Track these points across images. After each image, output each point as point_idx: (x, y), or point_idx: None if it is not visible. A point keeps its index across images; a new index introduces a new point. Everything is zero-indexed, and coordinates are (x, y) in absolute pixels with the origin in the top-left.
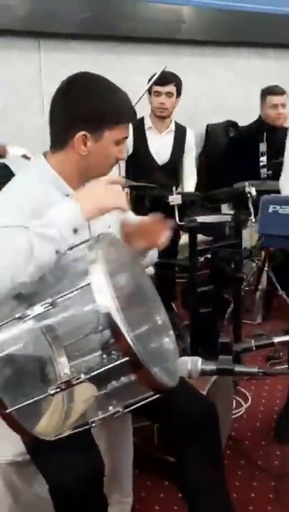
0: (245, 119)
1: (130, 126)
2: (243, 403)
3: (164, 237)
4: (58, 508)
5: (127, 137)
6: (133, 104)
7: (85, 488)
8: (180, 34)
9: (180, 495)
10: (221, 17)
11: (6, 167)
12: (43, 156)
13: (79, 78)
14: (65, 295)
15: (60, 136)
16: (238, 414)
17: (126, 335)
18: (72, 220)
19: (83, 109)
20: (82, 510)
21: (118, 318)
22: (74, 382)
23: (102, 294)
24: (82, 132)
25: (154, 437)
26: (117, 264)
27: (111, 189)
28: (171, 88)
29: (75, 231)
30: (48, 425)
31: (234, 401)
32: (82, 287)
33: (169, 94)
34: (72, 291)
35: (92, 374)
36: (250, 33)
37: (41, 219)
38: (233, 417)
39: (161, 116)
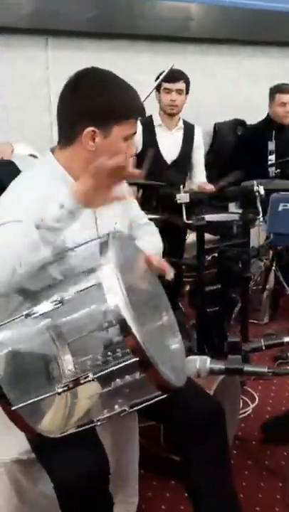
0: (252, 117)
1: (139, 124)
2: (250, 403)
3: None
4: (63, 506)
5: (135, 133)
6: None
7: (90, 487)
8: (188, 32)
9: (186, 494)
10: (229, 15)
11: (12, 164)
12: (51, 151)
13: (88, 73)
14: (75, 293)
15: (68, 132)
16: (245, 414)
17: (136, 334)
18: (60, 199)
19: (92, 105)
20: (87, 509)
21: (129, 318)
22: (82, 381)
23: (113, 293)
24: (91, 128)
25: (160, 437)
26: (126, 262)
27: (95, 165)
28: (181, 85)
29: (61, 206)
30: (51, 422)
31: (241, 401)
32: (93, 285)
33: (179, 91)
34: (83, 289)
35: (101, 373)
36: (259, 30)
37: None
38: (240, 417)
39: (171, 113)
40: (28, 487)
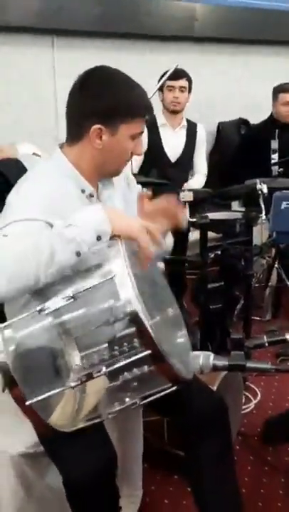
0: (258, 117)
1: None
2: (252, 399)
3: (181, 218)
4: (71, 500)
5: (142, 132)
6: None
7: (98, 481)
8: (192, 32)
9: (189, 489)
10: (233, 14)
11: (19, 162)
12: (60, 148)
13: (96, 72)
14: (87, 288)
15: (76, 129)
16: (248, 409)
17: (149, 328)
18: (97, 225)
19: (100, 103)
20: (94, 502)
21: (141, 311)
22: (95, 375)
23: (125, 287)
24: (98, 125)
25: (164, 431)
26: (135, 257)
27: (144, 223)
28: (183, 83)
29: (99, 238)
30: (61, 417)
31: (244, 397)
32: (106, 280)
33: (182, 89)
34: (96, 285)
35: (114, 367)
36: (262, 30)
37: (65, 220)
38: (243, 412)
39: (174, 110)
40: (35, 480)
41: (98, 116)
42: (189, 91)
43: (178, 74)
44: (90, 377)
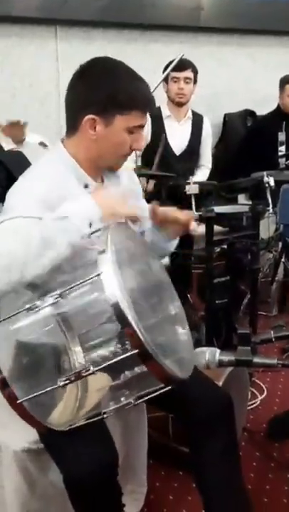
0: (264, 108)
1: (148, 116)
2: (258, 395)
3: (193, 226)
4: (72, 498)
5: (142, 126)
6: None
7: (99, 478)
8: (198, 21)
9: (194, 485)
10: (240, 4)
11: (21, 154)
12: (61, 142)
13: (97, 62)
14: (73, 286)
15: (73, 120)
16: (254, 405)
17: (135, 326)
18: (86, 212)
19: (95, 92)
20: (96, 500)
21: (126, 309)
22: (84, 374)
23: (110, 285)
24: (92, 116)
25: (169, 427)
26: (129, 253)
27: (123, 200)
28: (188, 74)
29: (90, 225)
30: (61, 415)
31: (249, 393)
32: (90, 279)
33: (187, 80)
34: (81, 283)
35: (101, 366)
36: (269, 20)
37: (55, 211)
38: (249, 408)
39: (179, 102)
40: (38, 476)
41: (93, 106)
42: (195, 82)
43: (183, 65)
44: (78, 376)
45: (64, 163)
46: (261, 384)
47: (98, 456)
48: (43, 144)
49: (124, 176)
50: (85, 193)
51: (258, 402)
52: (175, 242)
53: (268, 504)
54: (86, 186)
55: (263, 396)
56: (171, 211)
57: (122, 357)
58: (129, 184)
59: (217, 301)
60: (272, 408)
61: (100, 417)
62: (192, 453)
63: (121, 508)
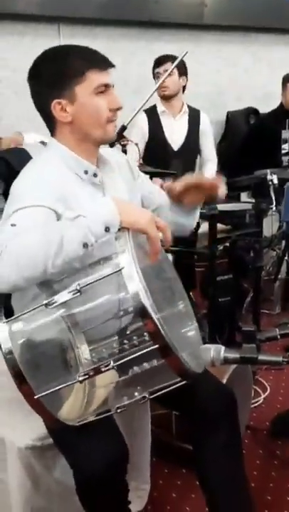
0: (268, 106)
1: (144, 114)
2: (261, 393)
3: (221, 189)
4: (80, 493)
5: (107, 85)
6: (154, 89)
7: (109, 474)
8: (201, 19)
9: (197, 483)
10: (243, 1)
11: (23, 151)
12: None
13: (39, 55)
14: (93, 282)
15: (45, 116)
16: (257, 403)
17: (157, 321)
18: (105, 217)
19: (46, 80)
20: (105, 496)
21: (148, 305)
22: (103, 369)
23: (133, 281)
24: (55, 100)
25: (172, 425)
26: (142, 250)
27: (154, 217)
28: (168, 66)
29: (107, 229)
30: (71, 411)
31: (253, 391)
32: (113, 273)
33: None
34: (101, 278)
35: (122, 361)
36: (272, 18)
37: (74, 211)
38: (252, 406)
39: (164, 95)
40: (42, 473)
41: (51, 92)
42: (182, 74)
43: (161, 59)
44: (97, 371)
45: (60, 155)
46: (264, 382)
47: (109, 452)
48: (43, 143)
49: (116, 159)
50: (85, 178)
51: (261, 400)
52: (196, 216)
53: (271, 502)
54: (86, 172)
55: (266, 394)
56: (194, 178)
57: (145, 351)
58: (123, 169)
59: (220, 299)
60: (275, 406)
61: (111, 413)
62: (195, 450)
63: (127, 504)
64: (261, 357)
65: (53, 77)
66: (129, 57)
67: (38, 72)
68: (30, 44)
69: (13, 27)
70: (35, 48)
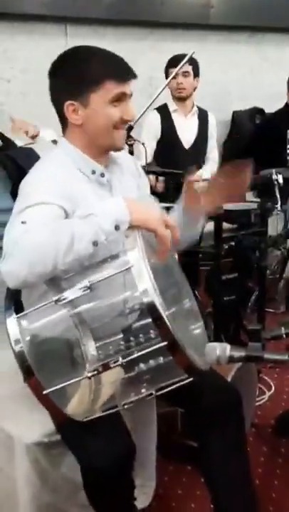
0: (274, 105)
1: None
2: (266, 391)
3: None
4: (87, 488)
5: (124, 94)
6: (160, 90)
7: (117, 470)
8: (208, 19)
9: (202, 480)
10: (249, 1)
11: (32, 151)
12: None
13: (63, 53)
14: (105, 278)
15: (59, 114)
16: (261, 401)
17: (166, 319)
18: (116, 216)
19: (64, 80)
20: (111, 491)
21: (159, 303)
22: (112, 366)
23: (142, 278)
24: (69, 102)
25: (178, 423)
26: (150, 249)
27: (163, 216)
28: (186, 67)
29: (117, 228)
30: (78, 407)
31: (257, 389)
32: (123, 270)
33: (185, 74)
34: (112, 275)
35: (131, 357)
36: (278, 18)
37: (85, 210)
38: (256, 404)
39: (180, 97)
40: (49, 469)
41: (68, 93)
42: (196, 75)
43: (178, 59)
44: (106, 367)
45: (68, 154)
46: (269, 380)
47: (116, 448)
48: (54, 142)
49: (125, 159)
50: (92, 178)
51: (266, 398)
52: (199, 232)
53: (275, 499)
54: (93, 172)
55: (271, 392)
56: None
57: (152, 348)
58: (130, 167)
59: (225, 298)
60: (279, 404)
61: (118, 409)
62: (200, 447)
63: (133, 500)
64: (267, 355)
65: (70, 79)
66: (136, 57)
67: (58, 69)
68: (37, 43)
69: (20, 27)
70: (42, 48)
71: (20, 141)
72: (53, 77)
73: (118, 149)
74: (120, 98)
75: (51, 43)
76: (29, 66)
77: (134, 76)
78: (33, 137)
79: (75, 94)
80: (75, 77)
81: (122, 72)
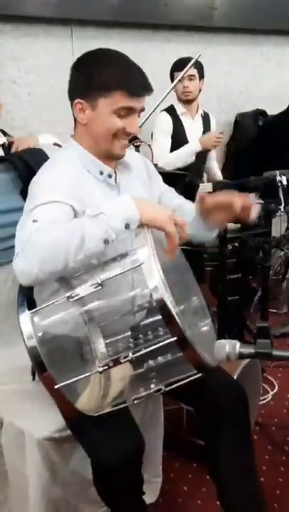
0: (277, 108)
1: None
2: (269, 390)
3: (254, 212)
4: (97, 483)
5: (131, 109)
6: (166, 92)
7: (126, 464)
8: (212, 21)
9: (208, 477)
10: (253, 4)
11: (42, 152)
12: (71, 137)
13: (87, 52)
14: (114, 276)
15: (71, 109)
16: (265, 400)
17: (176, 316)
18: (125, 214)
19: (80, 77)
20: (121, 485)
21: (169, 300)
22: (122, 361)
23: (153, 276)
24: (78, 99)
25: (183, 420)
26: (159, 247)
27: (172, 215)
28: (192, 71)
29: (127, 226)
30: (88, 402)
31: (261, 387)
32: (133, 268)
33: (191, 77)
34: (123, 272)
35: (141, 352)
36: (282, 20)
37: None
38: (260, 403)
39: (187, 100)
40: (60, 464)
41: (79, 91)
42: (201, 77)
43: (184, 63)
44: (117, 362)
45: (77, 154)
46: (272, 379)
47: (126, 442)
48: (57, 145)
49: (135, 160)
50: (100, 179)
51: (270, 397)
52: (215, 233)
53: (280, 496)
54: (101, 173)
55: (275, 391)
56: (226, 196)
57: (162, 343)
58: (141, 170)
59: (229, 298)
60: (283, 403)
61: (127, 404)
62: (207, 444)
63: (142, 495)
64: (276, 352)
65: (86, 78)
66: (141, 58)
67: (80, 65)
68: (43, 45)
69: (26, 29)
70: (47, 49)
71: None
72: (73, 72)
73: (116, 158)
74: (127, 111)
75: (57, 45)
76: (35, 67)
77: (149, 92)
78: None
79: (85, 94)
80: (91, 77)
81: (136, 87)
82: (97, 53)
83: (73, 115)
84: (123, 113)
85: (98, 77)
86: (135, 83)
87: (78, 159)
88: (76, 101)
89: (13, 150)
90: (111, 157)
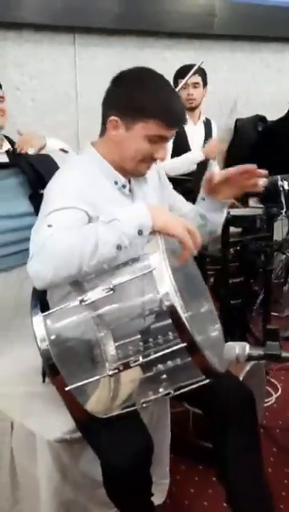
0: (277, 113)
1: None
2: (273, 393)
3: (261, 181)
4: (107, 484)
5: (164, 138)
6: None
7: (135, 465)
8: (212, 29)
9: (214, 479)
10: (253, 11)
11: (51, 160)
12: (92, 145)
13: (135, 69)
14: (127, 280)
15: (103, 119)
16: (269, 403)
17: (185, 321)
18: (139, 221)
19: (122, 95)
20: (130, 486)
21: (179, 306)
22: (132, 364)
23: (164, 281)
24: (114, 117)
25: (189, 423)
26: (169, 251)
27: (185, 222)
28: (196, 78)
29: (140, 232)
30: (97, 405)
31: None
32: (145, 273)
33: (195, 85)
34: (135, 277)
35: (151, 357)
36: (281, 27)
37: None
38: (264, 406)
39: (190, 107)
40: (70, 466)
41: (117, 108)
42: (205, 84)
43: (188, 71)
44: (127, 366)
45: (94, 162)
46: (276, 382)
47: (135, 444)
48: (63, 151)
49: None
50: (115, 188)
51: (273, 400)
52: (224, 214)
53: (285, 498)
54: (116, 183)
55: (278, 394)
56: (234, 168)
57: (172, 348)
58: (154, 179)
59: (231, 301)
60: (287, 405)
61: (137, 407)
62: (215, 447)
63: (150, 496)
64: (285, 354)
65: (126, 97)
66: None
67: (123, 80)
68: (46, 52)
69: (29, 36)
70: (50, 56)
71: (30, 150)
72: (114, 85)
73: (139, 176)
74: (159, 139)
75: (60, 51)
76: (38, 74)
77: (183, 125)
78: (40, 150)
79: (123, 113)
80: (132, 99)
81: (176, 120)
82: (143, 74)
83: (103, 123)
84: (155, 139)
85: (140, 101)
86: (175, 116)
87: (95, 165)
88: (112, 118)
89: (18, 150)
90: (133, 175)
